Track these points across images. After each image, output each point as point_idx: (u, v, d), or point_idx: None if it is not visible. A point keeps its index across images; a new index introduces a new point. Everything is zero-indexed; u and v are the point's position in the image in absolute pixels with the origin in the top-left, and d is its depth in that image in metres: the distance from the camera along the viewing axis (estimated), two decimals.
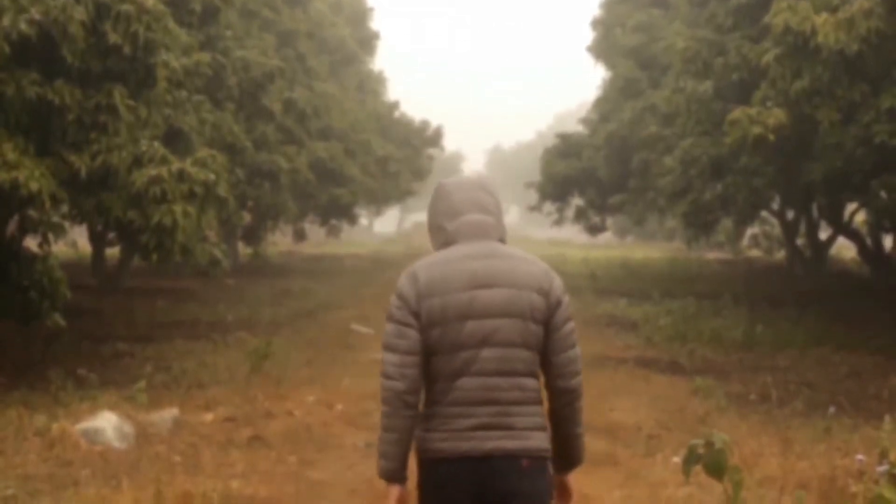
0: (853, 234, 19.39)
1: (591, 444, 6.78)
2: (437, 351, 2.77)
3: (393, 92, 44.26)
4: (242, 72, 16.27)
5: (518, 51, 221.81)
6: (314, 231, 35.77)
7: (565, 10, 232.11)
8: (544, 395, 2.88)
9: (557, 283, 2.85)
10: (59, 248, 14.70)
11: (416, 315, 2.76)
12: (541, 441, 2.81)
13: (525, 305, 2.78)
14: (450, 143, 45.50)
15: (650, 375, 9.81)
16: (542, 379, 2.87)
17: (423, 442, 2.81)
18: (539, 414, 2.83)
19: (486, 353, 2.75)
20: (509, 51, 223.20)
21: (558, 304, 2.83)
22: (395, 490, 2.83)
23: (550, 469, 2.87)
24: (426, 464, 2.81)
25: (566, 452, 2.95)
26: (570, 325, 2.85)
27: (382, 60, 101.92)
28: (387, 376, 2.78)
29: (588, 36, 30.35)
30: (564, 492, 3.01)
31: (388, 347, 2.79)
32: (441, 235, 2.91)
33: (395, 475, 2.82)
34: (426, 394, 2.84)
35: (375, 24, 38.28)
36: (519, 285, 2.79)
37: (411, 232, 55.43)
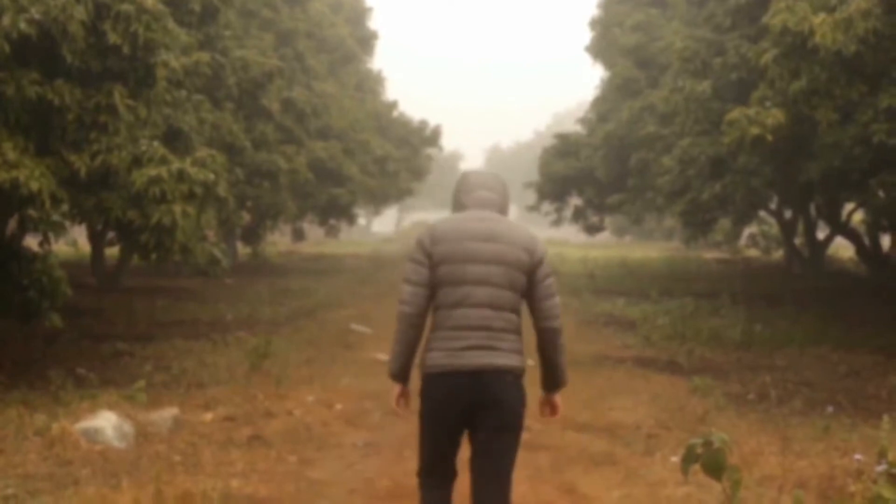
0: (851, 234, 19.41)
1: (591, 443, 6.87)
2: (443, 284, 3.61)
3: (391, 91, 44.30)
4: (241, 71, 16.28)
5: (516, 50, 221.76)
6: (313, 231, 35.81)
7: (564, 10, 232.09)
8: (524, 328, 3.64)
9: (540, 245, 3.71)
10: (59, 248, 14.72)
11: (430, 256, 3.63)
12: (519, 361, 3.64)
13: (513, 258, 3.63)
14: (448, 143, 45.46)
15: (649, 375, 9.83)
16: (523, 316, 3.66)
17: (427, 360, 3.61)
18: (518, 341, 3.66)
19: (481, 290, 3.58)
20: (508, 50, 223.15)
21: (540, 261, 3.68)
22: (397, 387, 3.76)
23: (524, 384, 3.64)
24: (429, 378, 3.60)
25: (552, 377, 3.82)
26: (551, 279, 3.71)
27: (381, 59, 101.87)
28: (401, 301, 3.63)
29: (586, 35, 30.36)
30: (553, 406, 3.91)
31: (406, 280, 3.66)
32: (458, 205, 3.82)
33: (398, 375, 3.74)
34: (433, 320, 3.63)
35: (374, 22, 38.34)
36: (510, 242, 3.65)
37: (410, 231, 55.37)
